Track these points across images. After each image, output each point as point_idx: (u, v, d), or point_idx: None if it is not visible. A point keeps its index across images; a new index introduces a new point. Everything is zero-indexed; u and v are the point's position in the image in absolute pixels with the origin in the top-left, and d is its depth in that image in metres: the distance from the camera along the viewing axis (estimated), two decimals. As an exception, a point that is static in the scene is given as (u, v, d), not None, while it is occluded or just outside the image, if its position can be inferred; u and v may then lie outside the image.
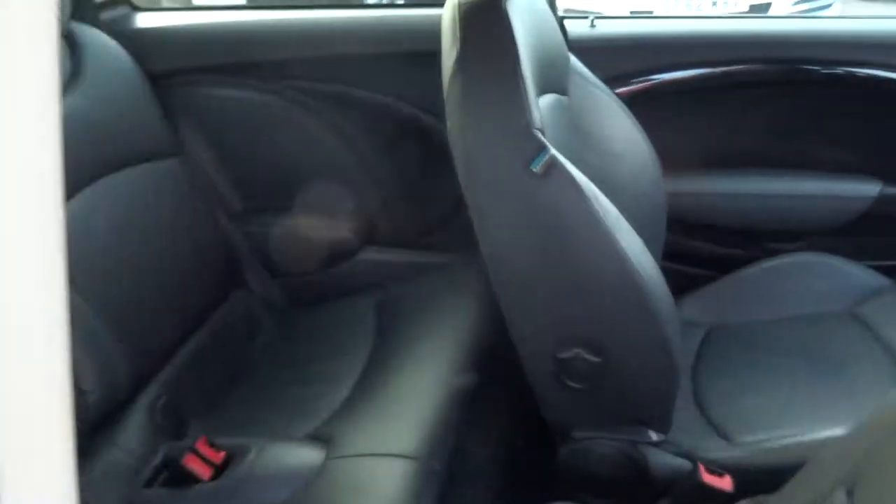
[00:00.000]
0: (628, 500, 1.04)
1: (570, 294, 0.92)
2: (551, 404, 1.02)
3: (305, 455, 1.04)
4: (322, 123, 1.43)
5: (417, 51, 1.32)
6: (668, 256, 1.23)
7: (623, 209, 0.95)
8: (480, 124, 0.87)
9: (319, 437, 1.08)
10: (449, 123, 0.92)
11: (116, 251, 1.19)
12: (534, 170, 0.86)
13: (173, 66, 1.41)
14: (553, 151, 0.86)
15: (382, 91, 1.40)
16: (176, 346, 1.28)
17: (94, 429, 1.09)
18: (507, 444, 1.23)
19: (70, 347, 0.96)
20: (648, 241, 0.98)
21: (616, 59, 1.35)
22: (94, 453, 1.09)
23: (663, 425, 1.01)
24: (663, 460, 1.00)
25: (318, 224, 1.49)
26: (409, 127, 1.43)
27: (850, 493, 0.51)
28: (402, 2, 1.81)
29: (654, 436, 1.00)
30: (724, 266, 1.37)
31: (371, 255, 1.49)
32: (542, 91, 1.00)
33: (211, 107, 1.42)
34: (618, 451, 1.00)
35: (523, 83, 0.87)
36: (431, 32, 1.18)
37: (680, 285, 1.34)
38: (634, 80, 1.36)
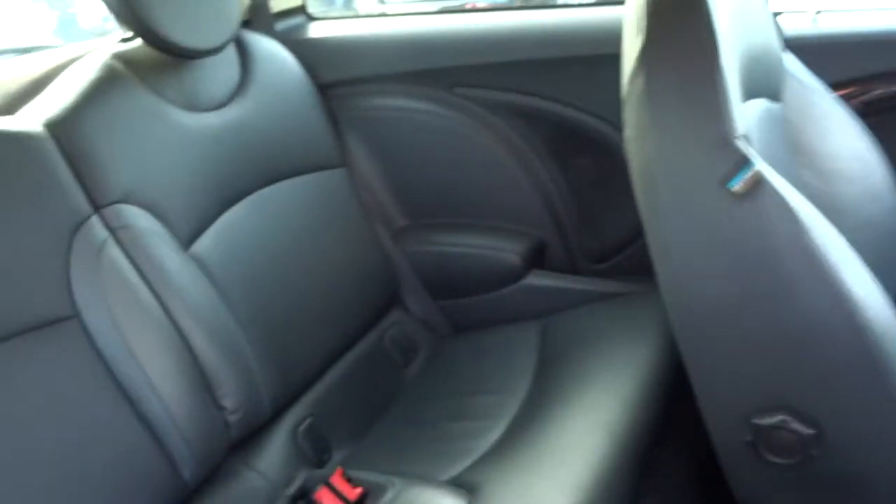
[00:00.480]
0: None
1: (775, 346, 0.72)
2: (744, 480, 0.82)
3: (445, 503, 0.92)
4: (492, 135, 1.32)
5: (600, 54, 1.17)
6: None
7: (848, 242, 0.74)
8: (665, 131, 0.71)
9: (463, 484, 0.96)
10: (626, 130, 0.77)
11: (272, 263, 1.14)
12: (732, 188, 0.69)
13: (343, 76, 1.36)
14: (759, 166, 0.68)
15: (560, 100, 1.27)
16: (325, 366, 1.22)
17: (232, 449, 1.05)
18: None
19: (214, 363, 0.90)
20: (883, 285, 0.76)
21: (843, 59, 1.12)
22: (231, 475, 1.04)
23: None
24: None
25: (482, 244, 1.37)
26: (587, 140, 1.28)
27: None
28: (591, 1, 1.65)
29: (882, 538, 0.77)
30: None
31: (538, 280, 1.35)
32: (749, 95, 0.82)
33: (378, 117, 1.36)
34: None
35: (723, 83, 0.69)
36: (616, 33, 1.03)
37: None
38: (866, 86, 1.12)
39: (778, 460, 0.76)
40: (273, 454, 1.09)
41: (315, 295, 1.20)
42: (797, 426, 0.74)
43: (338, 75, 1.36)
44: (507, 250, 1.35)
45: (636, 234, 1.31)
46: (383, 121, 1.36)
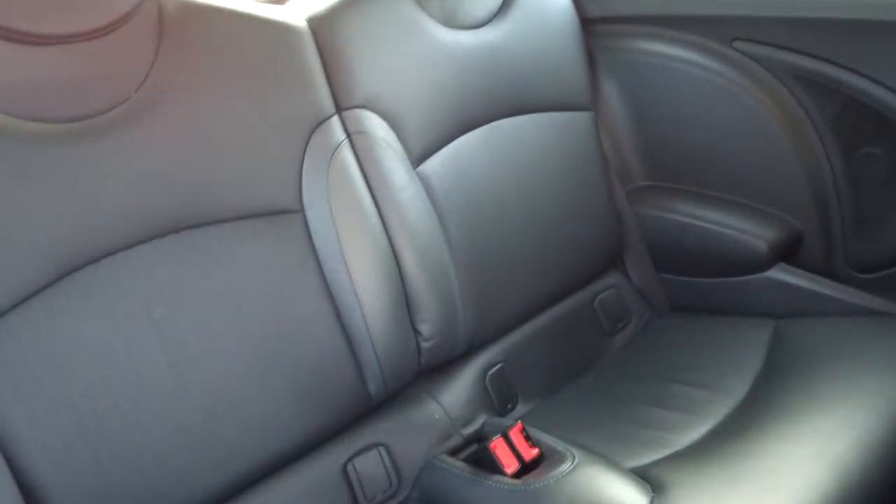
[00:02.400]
0: None
1: None
2: None
3: (625, 494, 0.84)
4: (769, 101, 1.14)
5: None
6: None
7: None
8: None
9: (648, 478, 0.87)
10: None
11: (496, 198, 1.10)
12: None
13: (610, 12, 1.25)
14: None
15: (861, 73, 1.06)
16: (528, 315, 1.16)
17: (421, 375, 1.03)
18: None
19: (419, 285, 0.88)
20: None
21: None
22: (414, 400, 1.04)
23: None
24: None
25: (727, 222, 1.22)
26: (886, 126, 1.07)
27: None
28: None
29: None
30: None
31: (783, 275, 1.17)
32: None
33: (639, 62, 1.24)
34: None
35: None
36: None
37: None
38: None
39: None
40: (458, 391, 1.06)
41: (533, 239, 1.14)
42: None
43: (605, 10, 1.25)
44: (755, 235, 1.18)
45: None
46: (644, 67, 1.23)
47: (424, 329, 1.00)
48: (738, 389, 1.04)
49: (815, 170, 1.14)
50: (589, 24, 1.24)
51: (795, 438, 0.88)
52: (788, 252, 1.19)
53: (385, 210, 0.97)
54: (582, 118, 1.22)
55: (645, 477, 0.87)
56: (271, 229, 0.90)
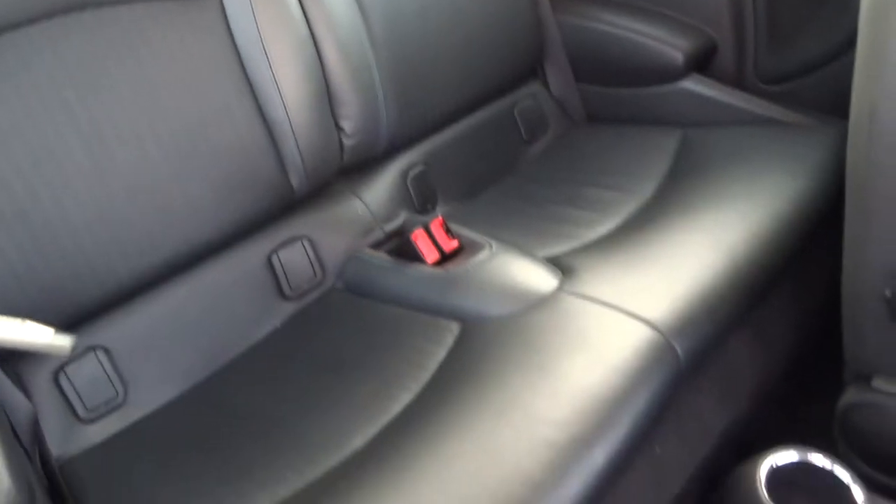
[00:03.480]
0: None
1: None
2: (861, 334, 0.75)
3: (537, 277, 0.90)
4: None
5: None
6: None
7: None
8: None
9: (559, 264, 0.93)
10: None
11: (422, 3, 1.07)
12: None
13: None
14: None
15: None
16: (449, 119, 1.17)
17: (343, 173, 1.04)
18: (776, 357, 0.97)
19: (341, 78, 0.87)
20: None
21: None
22: (337, 196, 1.05)
23: None
24: None
25: (646, 32, 1.23)
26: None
27: None
28: None
29: None
30: None
31: (696, 85, 1.22)
32: None
33: None
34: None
35: None
36: None
37: None
38: None
39: (912, 324, 0.69)
40: (380, 190, 1.08)
41: (456, 42, 1.13)
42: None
43: None
44: (673, 45, 1.21)
45: (828, 59, 1.15)
46: None
47: (347, 125, 1.00)
48: (644, 190, 1.10)
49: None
50: None
51: (693, 230, 0.95)
52: (702, 63, 1.23)
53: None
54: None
55: (556, 264, 0.93)
56: (186, 14, 0.86)
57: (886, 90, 0.64)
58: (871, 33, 0.65)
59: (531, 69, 1.30)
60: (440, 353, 0.83)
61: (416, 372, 0.80)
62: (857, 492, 0.71)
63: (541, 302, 0.86)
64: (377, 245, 1.04)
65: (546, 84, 1.32)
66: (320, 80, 0.95)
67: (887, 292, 0.69)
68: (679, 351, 0.78)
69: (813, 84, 1.18)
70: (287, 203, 0.98)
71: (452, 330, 0.86)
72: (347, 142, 1.01)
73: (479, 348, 0.81)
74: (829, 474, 0.74)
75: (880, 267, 0.69)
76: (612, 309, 0.82)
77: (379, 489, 0.65)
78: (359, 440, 0.73)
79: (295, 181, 0.96)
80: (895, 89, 0.63)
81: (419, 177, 1.12)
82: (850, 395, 0.78)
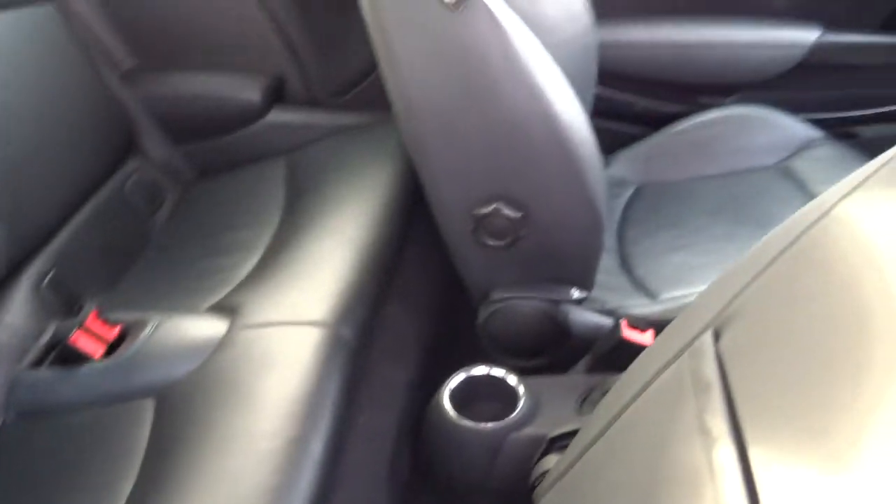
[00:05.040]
0: (550, 359, 1.00)
1: (488, 142, 0.83)
2: (470, 265, 0.96)
3: (207, 327, 0.96)
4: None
5: None
6: (599, 112, 1.15)
7: (549, 55, 0.85)
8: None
9: (224, 309, 1.00)
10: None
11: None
12: (445, 1, 0.75)
13: None
14: (467, -23, 0.75)
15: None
16: (62, 219, 1.16)
17: (-31, 307, 0.99)
18: (426, 310, 1.17)
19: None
20: (577, 93, 0.89)
21: None
22: (-29, 333, 0.99)
23: (586, 283, 0.97)
24: (585, 318, 0.95)
25: (221, 83, 1.35)
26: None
27: (717, 335, 0.45)
28: None
29: (576, 293, 0.95)
30: (656, 122, 1.31)
31: (280, 116, 1.36)
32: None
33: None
34: (539, 311, 0.95)
35: None
36: None
37: (611, 143, 1.27)
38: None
39: (495, 243, 0.90)
40: (17, 307, 1.04)
41: (37, 144, 1.12)
42: (508, 211, 0.87)
43: None
44: (247, 88, 1.34)
45: (373, 65, 1.37)
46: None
47: (-46, 260, 0.95)
48: (272, 218, 1.21)
49: (276, 19, 1.31)
50: None
51: (323, 236, 1.09)
52: (278, 96, 1.37)
53: None
54: (42, 12, 1.19)
55: (221, 309, 1.00)
56: None
57: (403, 78, 0.82)
58: (373, 19, 0.82)
59: (126, 147, 1.33)
60: (145, 431, 0.85)
61: (127, 458, 0.82)
62: (511, 379, 0.91)
63: (219, 346, 0.92)
64: (38, 363, 1.00)
65: (146, 155, 1.36)
66: None
67: (470, 227, 0.89)
68: (347, 335, 0.91)
69: (372, 85, 1.39)
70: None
71: (147, 406, 0.89)
72: (-39, 276, 0.96)
73: (180, 409, 0.86)
74: (490, 378, 0.93)
75: (457, 209, 0.89)
76: (282, 325, 0.93)
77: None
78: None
79: (-84, 335, 0.89)
80: (408, 76, 0.81)
81: (53, 282, 1.10)
82: (481, 312, 0.98)
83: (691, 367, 0.44)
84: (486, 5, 0.77)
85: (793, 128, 1.24)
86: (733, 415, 0.39)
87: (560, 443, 0.83)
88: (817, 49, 1.26)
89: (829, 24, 1.27)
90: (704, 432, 0.38)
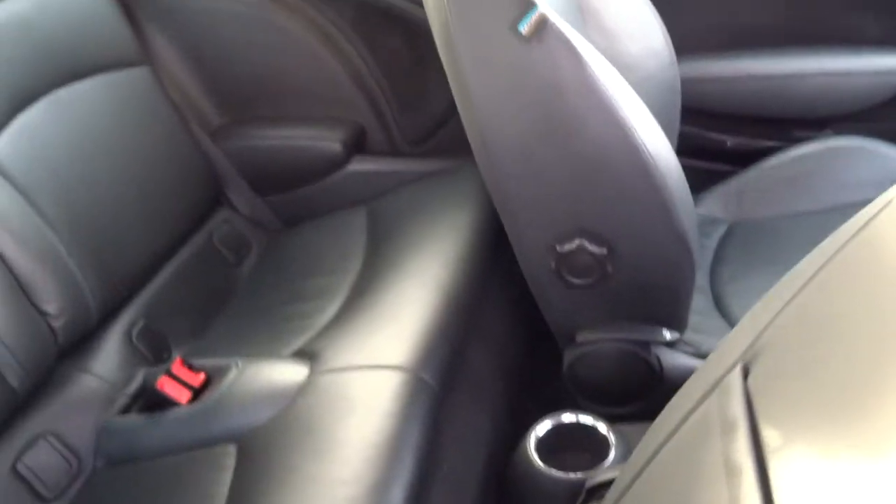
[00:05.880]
0: (641, 406, 0.94)
1: (569, 175, 0.81)
2: (553, 306, 0.92)
3: (289, 372, 0.96)
4: (304, 23, 1.31)
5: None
6: (685, 151, 1.11)
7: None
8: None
9: (305, 354, 1.00)
10: (425, -3, 0.80)
11: (81, 169, 1.09)
12: (521, 31, 0.74)
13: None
14: (543, 8, 0.74)
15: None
16: (153, 270, 1.19)
17: (63, 354, 1.02)
18: (510, 353, 1.13)
19: (27, 267, 0.87)
20: (662, 131, 0.86)
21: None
22: (64, 380, 1.02)
23: (678, 324, 0.91)
24: (678, 361, 0.90)
25: (303, 135, 1.38)
26: (395, 20, 1.30)
27: (746, 371, 0.43)
28: None
29: (668, 335, 0.90)
30: (746, 159, 1.25)
31: (361, 165, 1.38)
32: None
33: (182, 9, 1.30)
34: (628, 353, 0.91)
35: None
36: None
37: (699, 182, 1.22)
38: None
39: (580, 281, 0.86)
40: (108, 357, 1.07)
41: (131, 197, 1.16)
42: (592, 248, 0.83)
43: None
44: (328, 139, 1.36)
45: (451, 111, 1.37)
46: (188, 13, 1.30)
47: (50, 308, 0.98)
48: (354, 265, 1.21)
49: (355, 71, 1.35)
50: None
51: (405, 280, 1.08)
52: (359, 146, 1.39)
53: None
54: (139, 73, 1.25)
55: (302, 355, 1.00)
56: None
57: (480, 115, 0.81)
58: (446, 56, 0.82)
59: (214, 199, 1.37)
60: (227, 476, 0.85)
61: (208, 502, 0.81)
62: (602, 426, 0.86)
63: (300, 391, 0.92)
64: (126, 410, 1.02)
65: (234, 207, 1.40)
66: (5, 274, 0.93)
67: (552, 265, 0.86)
68: (429, 379, 0.89)
69: (450, 132, 1.39)
70: (12, 406, 0.93)
71: (230, 452, 0.88)
72: (56, 323, 0.99)
73: (261, 455, 0.85)
74: (579, 425, 0.88)
75: (538, 246, 0.86)
76: (363, 369, 0.91)
77: None
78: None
79: (14, 381, 0.92)
80: (485, 113, 0.80)
81: (143, 332, 1.13)
82: (567, 355, 0.94)
83: (719, 406, 0.43)
84: (562, 34, 0.76)
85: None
86: (759, 451, 0.37)
87: (600, 492, 0.77)
88: (920, 75, 1.19)
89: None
90: (729, 471, 0.37)
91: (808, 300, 0.43)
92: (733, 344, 0.47)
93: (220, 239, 1.34)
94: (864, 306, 0.38)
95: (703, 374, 0.49)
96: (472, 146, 0.86)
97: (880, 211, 0.42)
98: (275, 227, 1.44)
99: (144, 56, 1.27)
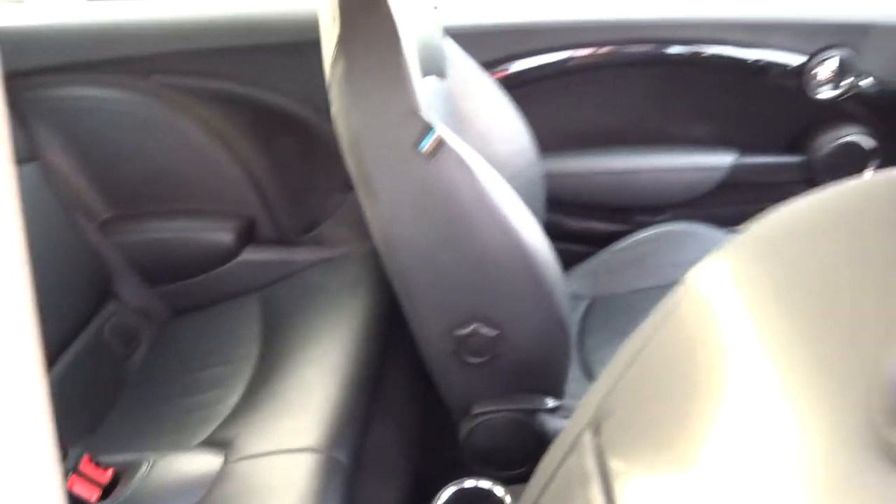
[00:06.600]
0: (532, 467, 1.06)
1: (466, 271, 0.93)
2: (450, 383, 1.03)
3: (202, 462, 0.99)
4: (193, 121, 1.37)
5: (294, 41, 1.29)
6: (549, 236, 1.27)
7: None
8: (366, 107, 0.86)
9: (215, 443, 1.04)
10: (333, 108, 0.91)
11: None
12: (422, 150, 0.87)
13: (27, 66, 1.30)
14: (440, 130, 0.87)
15: (257, 84, 1.36)
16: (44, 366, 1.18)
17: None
18: (412, 429, 1.22)
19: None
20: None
21: (489, 44, 1.38)
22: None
23: (558, 392, 1.05)
24: (559, 425, 1.03)
25: (194, 227, 1.43)
26: (287, 121, 1.40)
27: (596, 432, 0.50)
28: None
29: (550, 402, 1.03)
30: (601, 241, 1.44)
31: (252, 255, 1.44)
32: (424, 74, 1.01)
33: (69, 108, 1.33)
34: (516, 422, 1.02)
35: (406, 66, 0.86)
36: (308, 22, 1.16)
37: (562, 262, 1.39)
38: (506, 64, 1.40)
39: (475, 360, 0.98)
40: None
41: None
42: (486, 330, 0.95)
43: (19, 65, 1.30)
44: (219, 229, 1.42)
45: (338, 202, 1.47)
46: (76, 111, 1.33)
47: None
48: (251, 353, 1.27)
49: (246, 167, 1.42)
50: (14, 78, 1.27)
51: (305, 366, 1.15)
52: (250, 236, 1.46)
53: None
54: (28, 170, 1.27)
55: (213, 443, 1.04)
56: None
57: (384, 218, 0.92)
58: (355, 167, 0.93)
59: (104, 292, 1.37)
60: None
61: None
62: (498, 490, 0.97)
63: (216, 481, 0.96)
64: (28, 513, 1.01)
65: (123, 299, 1.41)
66: None
67: (451, 347, 0.97)
68: (342, 458, 0.96)
69: (337, 224, 1.49)
70: None
71: (148, 547, 0.91)
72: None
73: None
74: (478, 490, 0.98)
75: (438, 331, 0.97)
76: (277, 454, 0.97)
77: None
78: None
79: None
80: (389, 216, 0.91)
81: None
82: (463, 427, 1.05)
83: (577, 464, 0.50)
84: (455, 152, 0.88)
85: (720, 240, 1.38)
86: (610, 497, 0.45)
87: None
88: (735, 170, 1.44)
89: (743, 148, 1.45)
90: None
91: (636, 372, 0.52)
92: (584, 410, 0.55)
93: (109, 332, 1.35)
94: (674, 371, 0.48)
95: (564, 436, 0.58)
96: (374, 239, 0.96)
97: (682, 293, 0.51)
98: (164, 318, 1.46)
99: (32, 153, 1.28)
